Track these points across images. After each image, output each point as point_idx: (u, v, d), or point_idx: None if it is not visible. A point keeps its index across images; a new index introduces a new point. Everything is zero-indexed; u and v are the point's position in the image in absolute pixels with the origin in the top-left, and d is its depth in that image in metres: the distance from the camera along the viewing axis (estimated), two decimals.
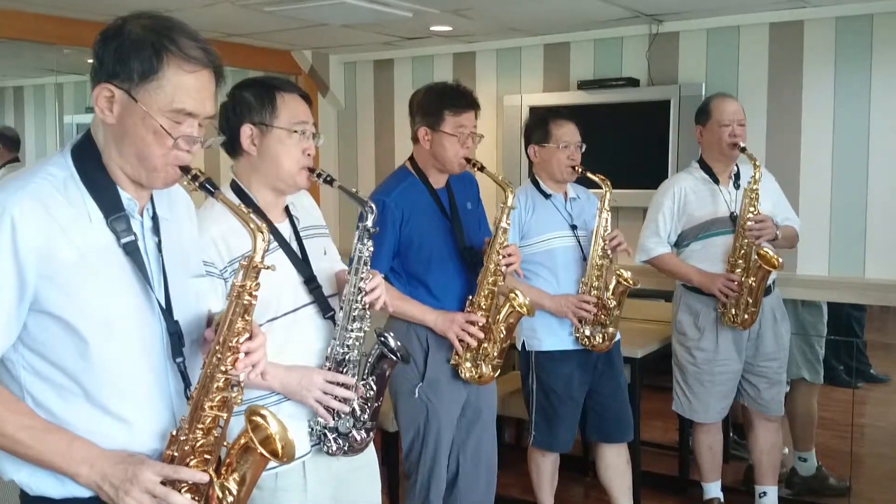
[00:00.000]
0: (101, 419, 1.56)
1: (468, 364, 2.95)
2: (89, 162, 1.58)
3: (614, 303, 3.38)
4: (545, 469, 3.60)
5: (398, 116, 5.62)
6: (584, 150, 3.42)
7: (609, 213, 3.37)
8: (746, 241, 3.50)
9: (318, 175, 2.17)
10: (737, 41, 4.52)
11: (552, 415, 3.44)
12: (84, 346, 1.53)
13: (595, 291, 3.35)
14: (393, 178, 3.05)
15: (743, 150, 3.58)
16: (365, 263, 2.17)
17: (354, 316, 2.16)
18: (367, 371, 2.23)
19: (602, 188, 3.36)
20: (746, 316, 3.56)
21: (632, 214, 4.56)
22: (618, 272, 3.40)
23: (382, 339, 2.25)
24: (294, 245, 2.21)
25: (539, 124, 3.44)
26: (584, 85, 4.85)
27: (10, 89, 8.17)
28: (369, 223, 2.18)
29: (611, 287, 3.39)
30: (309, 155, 2.16)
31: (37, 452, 1.51)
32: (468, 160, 2.95)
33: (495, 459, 3.18)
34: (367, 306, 2.18)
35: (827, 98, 4.31)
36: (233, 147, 2.18)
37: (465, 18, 4.49)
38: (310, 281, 2.19)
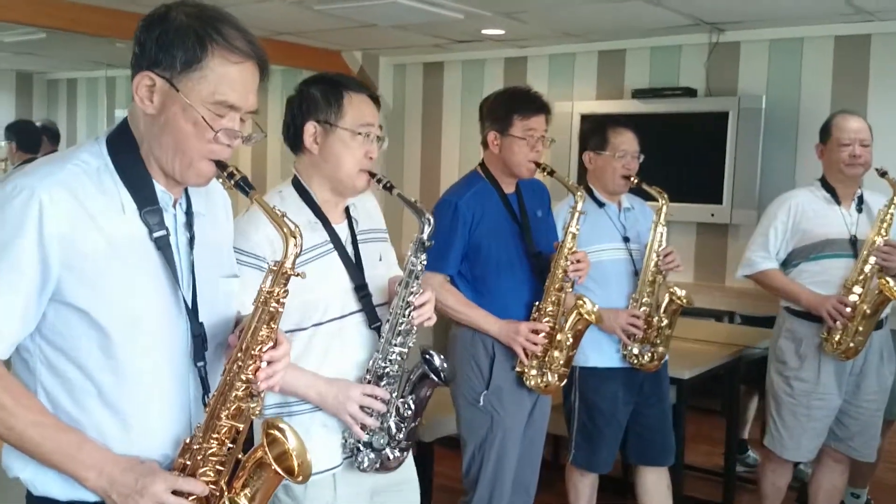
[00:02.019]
0: (112, 421, 1.50)
1: (533, 372, 2.89)
2: (126, 152, 1.54)
3: (666, 321, 3.26)
4: (583, 489, 3.49)
5: (446, 120, 5.56)
6: (641, 160, 3.31)
7: (665, 227, 3.25)
8: (869, 265, 3.32)
9: (379, 180, 2.11)
10: (800, 53, 4.39)
11: (594, 434, 3.34)
12: (106, 342, 1.48)
13: (645, 308, 3.23)
14: (464, 181, 3.02)
15: (884, 174, 3.39)
16: (416, 277, 2.10)
17: (400, 330, 2.10)
18: (407, 389, 2.15)
19: (658, 201, 3.25)
20: (852, 344, 3.34)
21: (685, 229, 4.44)
22: (671, 289, 3.27)
23: (427, 356, 2.17)
24: (349, 249, 2.15)
25: (596, 130, 3.35)
26: (638, 94, 4.75)
27: (64, 81, 8.30)
28: (425, 236, 2.10)
29: (663, 305, 3.26)
30: (371, 158, 2.11)
31: (45, 451, 1.46)
32: (537, 164, 2.90)
33: (536, 478, 3.10)
34: (413, 321, 2.10)
35: (893, 113, 4.15)
36: (295, 143, 2.15)
37: (518, 22, 4.41)
38: (360, 288, 2.13)
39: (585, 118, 4.61)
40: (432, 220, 2.13)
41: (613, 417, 3.32)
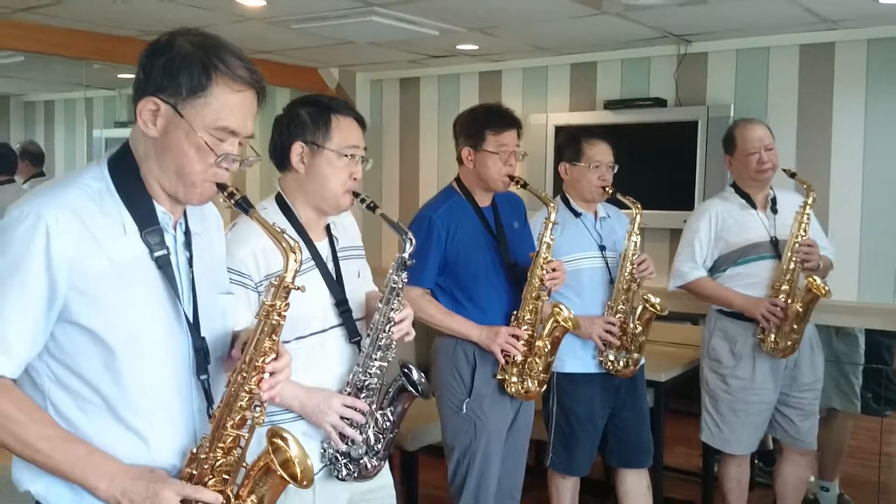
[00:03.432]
0: (121, 433, 1.55)
1: (514, 379, 2.95)
2: (127, 175, 1.59)
3: (640, 328, 3.34)
4: (565, 492, 3.55)
5: (423, 135, 5.62)
6: (616, 170, 3.40)
7: (639, 236, 3.33)
8: (794, 265, 3.43)
9: (362, 200, 2.18)
10: (766, 62, 4.49)
11: (571, 438, 3.40)
12: (111, 359, 1.53)
13: (621, 315, 3.31)
14: (440, 196, 3.10)
15: (793, 175, 3.54)
16: (397, 294, 2.16)
17: (380, 345, 2.16)
18: (385, 402, 2.21)
19: (633, 211, 3.33)
20: (789, 343, 3.47)
21: (657, 236, 4.52)
22: (645, 297, 3.35)
23: (406, 370, 2.22)
24: (330, 266, 2.21)
25: (571, 142, 3.43)
26: (610, 105, 4.83)
27: (42, 103, 8.26)
28: (406, 254, 2.17)
29: (637, 312, 3.34)
30: (355, 179, 2.17)
31: (56, 463, 1.50)
32: (511, 177, 2.97)
33: (521, 483, 3.16)
34: (393, 336, 2.16)
35: (858, 122, 4.26)
36: (282, 162, 2.21)
37: (492, 37, 4.49)
38: (341, 303, 2.19)
39: (560, 130, 4.69)
40: (413, 240, 2.19)
41: (590, 422, 3.39)
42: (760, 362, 3.54)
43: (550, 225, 2.95)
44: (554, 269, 2.95)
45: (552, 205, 2.99)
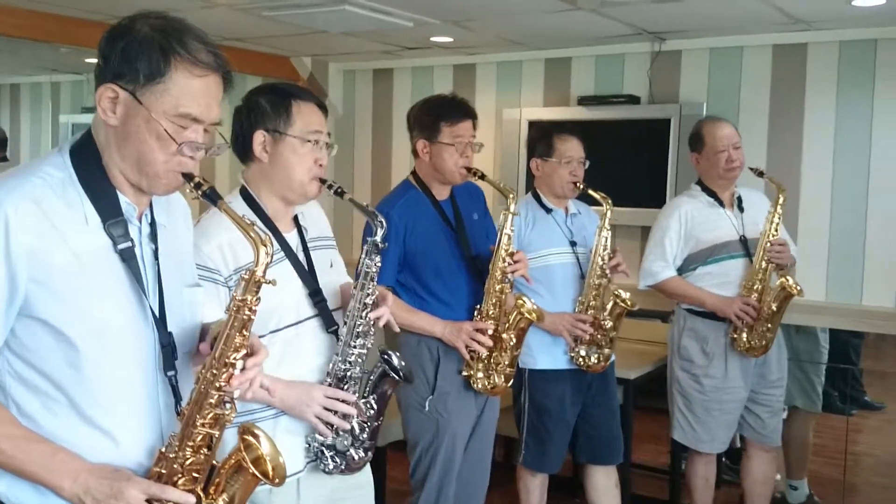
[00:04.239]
0: (86, 431, 1.51)
1: (480, 374, 2.93)
2: (89, 164, 1.53)
3: (611, 324, 3.34)
4: (534, 489, 3.55)
5: (396, 126, 5.58)
6: (587, 166, 3.39)
7: (609, 231, 3.33)
8: (766, 264, 3.44)
9: (330, 186, 2.14)
10: (739, 62, 4.50)
11: (543, 434, 3.39)
12: (74, 355, 1.48)
13: (592, 311, 3.30)
14: (396, 191, 3.06)
15: (761, 174, 3.55)
16: (371, 279, 2.14)
17: (358, 332, 2.13)
18: (368, 389, 2.19)
19: (603, 206, 3.32)
20: (763, 342, 3.49)
21: (629, 233, 4.52)
22: (616, 293, 3.35)
23: (386, 356, 2.20)
24: (301, 256, 2.18)
25: (543, 138, 3.41)
26: (584, 101, 4.82)
27: (7, 86, 8.11)
28: (378, 238, 2.14)
29: (608, 307, 3.34)
30: (321, 165, 2.13)
31: (18, 462, 1.46)
32: (468, 169, 2.93)
33: (487, 479, 3.14)
34: (371, 322, 2.14)
35: (828, 122, 4.29)
36: (244, 153, 2.16)
37: (467, 30, 4.46)
38: (315, 294, 2.16)
39: (533, 124, 4.68)
40: (385, 223, 2.17)
41: (561, 418, 3.39)
42: (732, 361, 3.56)
43: (510, 216, 2.92)
44: (515, 261, 2.91)
45: (511, 196, 2.95)
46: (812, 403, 4.15)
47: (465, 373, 2.93)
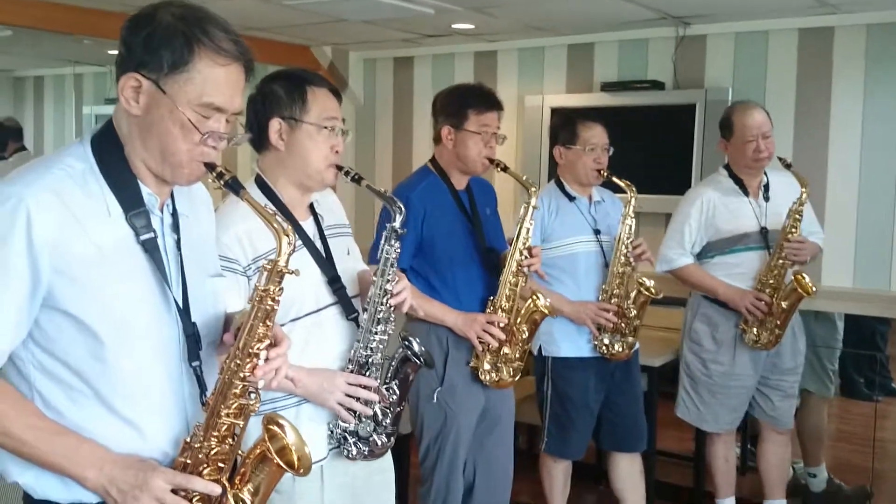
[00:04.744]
0: (111, 422, 1.51)
1: (487, 367, 2.91)
2: (110, 154, 1.53)
3: (635, 312, 3.32)
4: (557, 476, 3.55)
5: (417, 114, 5.57)
6: (611, 153, 3.36)
7: (633, 219, 3.30)
8: (782, 261, 3.41)
9: (346, 173, 2.13)
10: (765, 46, 4.44)
11: (566, 422, 3.39)
12: (98, 347, 1.48)
13: (616, 299, 3.28)
14: (415, 176, 3.03)
15: (788, 166, 3.49)
16: (392, 265, 2.13)
17: (379, 318, 2.12)
18: (389, 375, 2.19)
19: (627, 193, 3.29)
20: (772, 338, 3.46)
21: (654, 220, 4.49)
22: (639, 281, 3.33)
23: (407, 342, 2.20)
24: (318, 244, 2.17)
25: (566, 125, 3.38)
26: (607, 87, 4.78)
27: (31, 79, 8.18)
28: (397, 224, 2.14)
29: (632, 296, 3.32)
30: (337, 152, 2.12)
31: (43, 454, 1.46)
32: (491, 160, 2.91)
33: (511, 469, 3.14)
34: (392, 308, 2.14)
35: (856, 106, 4.23)
36: (260, 141, 2.15)
37: (488, 16, 4.43)
38: (334, 281, 2.15)
39: (555, 111, 4.65)
40: (404, 209, 2.16)
41: (585, 406, 3.38)
42: (741, 350, 3.54)
43: (531, 210, 2.89)
44: (532, 254, 2.89)
45: (533, 189, 2.93)
46: (825, 388, 4.12)
47: (472, 364, 2.91)
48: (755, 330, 3.46)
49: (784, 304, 3.41)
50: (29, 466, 1.50)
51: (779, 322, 3.44)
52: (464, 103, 2.92)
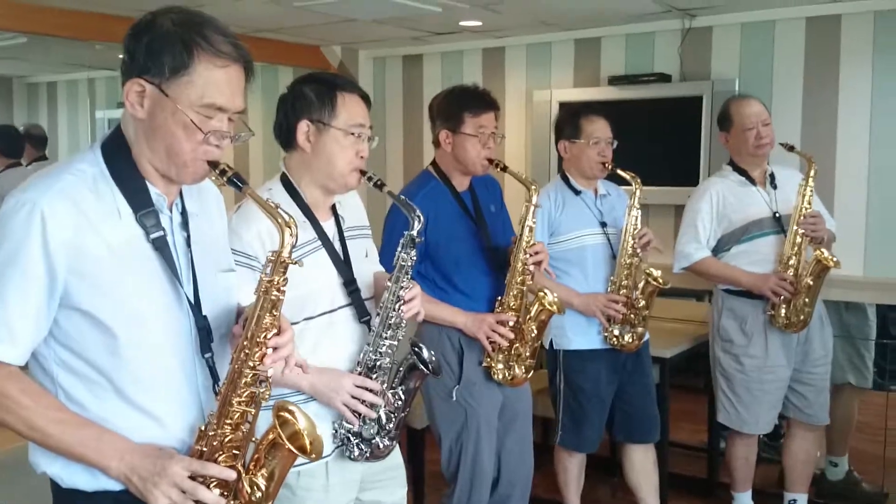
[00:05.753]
0: (131, 414, 1.57)
1: (500, 366, 2.93)
2: (119, 157, 1.59)
3: (643, 302, 3.33)
4: (572, 469, 3.56)
5: (427, 112, 5.59)
6: (615, 146, 3.38)
7: (639, 210, 3.31)
8: (800, 239, 3.42)
9: (370, 178, 2.15)
10: (772, 36, 4.45)
11: (579, 414, 3.40)
12: (113, 342, 1.54)
13: (624, 290, 3.30)
14: (416, 182, 3.04)
15: (791, 148, 3.50)
16: (406, 273, 2.15)
17: (390, 324, 2.14)
18: (396, 381, 2.21)
19: (632, 185, 3.31)
20: (801, 317, 3.44)
21: (662, 212, 4.51)
22: (647, 271, 3.34)
23: (417, 349, 2.22)
24: (337, 245, 2.20)
25: (570, 119, 3.39)
26: (614, 80, 4.80)
27: (44, 84, 8.27)
28: (415, 232, 2.16)
29: (640, 286, 3.33)
30: (362, 157, 2.15)
31: (67, 445, 1.52)
32: (490, 161, 2.93)
33: (531, 464, 3.14)
34: (403, 315, 2.16)
35: (864, 94, 4.23)
36: (287, 141, 2.18)
37: (495, 13, 4.46)
38: (349, 283, 2.18)
39: (563, 105, 4.67)
40: (422, 217, 2.18)
41: (597, 397, 3.39)
42: (772, 339, 3.51)
43: (532, 208, 2.89)
44: (536, 252, 2.89)
45: (534, 187, 2.92)
46: (864, 379, 4.08)
47: (485, 364, 2.93)
48: (783, 311, 3.44)
49: (810, 280, 3.40)
50: (56, 458, 1.56)
51: (807, 300, 3.41)
52: (459, 106, 2.93)
